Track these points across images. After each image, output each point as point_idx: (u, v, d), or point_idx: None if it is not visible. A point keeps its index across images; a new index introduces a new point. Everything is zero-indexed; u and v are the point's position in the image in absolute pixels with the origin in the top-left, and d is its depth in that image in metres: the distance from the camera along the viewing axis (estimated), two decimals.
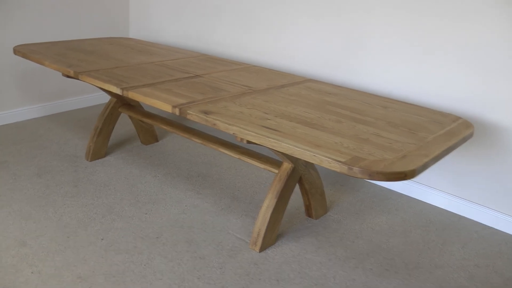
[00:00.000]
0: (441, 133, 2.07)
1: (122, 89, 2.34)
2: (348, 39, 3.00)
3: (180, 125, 2.83)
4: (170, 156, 3.24)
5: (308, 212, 2.61)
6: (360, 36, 2.94)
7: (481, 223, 2.71)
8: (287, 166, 2.34)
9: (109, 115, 3.03)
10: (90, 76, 2.52)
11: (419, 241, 2.48)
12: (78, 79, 2.61)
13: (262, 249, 2.31)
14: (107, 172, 2.95)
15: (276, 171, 2.40)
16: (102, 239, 2.32)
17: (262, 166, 2.46)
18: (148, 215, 2.53)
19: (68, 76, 2.72)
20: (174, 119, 3.94)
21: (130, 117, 3.21)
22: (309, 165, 2.44)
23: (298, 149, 1.77)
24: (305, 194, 2.53)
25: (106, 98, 4.29)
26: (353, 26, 2.95)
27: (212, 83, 2.52)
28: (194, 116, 2.06)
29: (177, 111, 2.12)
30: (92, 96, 4.15)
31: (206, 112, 2.06)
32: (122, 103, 3.06)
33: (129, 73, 2.59)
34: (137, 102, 3.14)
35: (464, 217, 2.76)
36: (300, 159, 2.35)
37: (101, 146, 3.07)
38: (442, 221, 2.69)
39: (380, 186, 3.05)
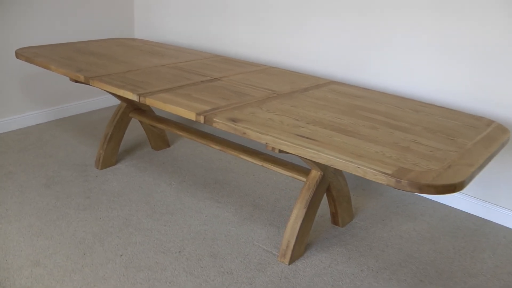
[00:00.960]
0: (479, 139, 1.97)
1: (139, 95, 2.21)
2: (369, 39, 2.89)
3: (195, 130, 2.71)
4: (183, 162, 3.11)
5: (334, 220, 2.51)
6: (382, 36, 2.83)
7: (508, 227, 2.62)
8: (315, 173, 2.23)
9: (120, 121, 2.89)
10: (102, 81, 2.39)
11: (449, 249, 2.39)
12: (88, 84, 2.48)
13: (292, 261, 2.20)
14: (119, 181, 2.82)
15: (304, 179, 2.29)
16: (121, 255, 2.19)
17: (288, 174, 2.35)
18: (167, 227, 2.41)
19: (77, 81, 2.58)
20: (186, 123, 3.81)
21: (141, 122, 3.07)
22: (337, 172, 2.33)
23: (340, 160, 1.66)
24: (331, 202, 2.43)
25: (112, 101, 4.15)
26: (375, 26, 2.84)
27: (233, 87, 2.39)
28: (221, 125, 1.94)
29: (201, 119, 1.99)
30: (97, 99, 4.01)
31: (234, 120, 1.94)
32: (133, 108, 2.93)
33: (143, 78, 2.46)
34: (148, 106, 3.01)
35: (490, 221, 2.67)
36: (329, 166, 2.24)
37: (112, 154, 2.94)
38: (468, 227, 2.59)
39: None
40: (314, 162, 2.11)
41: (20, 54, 2.85)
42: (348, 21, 2.93)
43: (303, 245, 2.25)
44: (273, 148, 1.92)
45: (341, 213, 2.46)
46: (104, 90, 2.67)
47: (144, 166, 3.02)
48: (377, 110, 2.19)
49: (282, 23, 3.23)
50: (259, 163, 2.43)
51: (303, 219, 2.18)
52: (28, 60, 2.79)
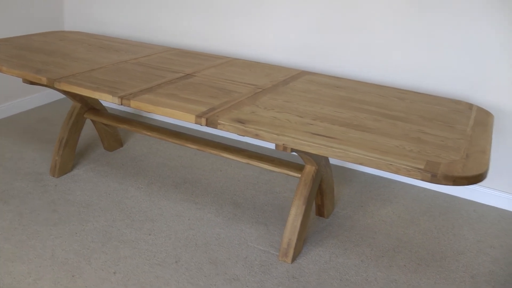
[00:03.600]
0: (472, 124, 2.03)
1: (121, 98, 2.03)
2: (327, 24, 2.87)
3: (166, 130, 2.56)
4: (143, 162, 2.94)
5: (320, 212, 2.49)
6: (341, 21, 2.83)
7: (474, 201, 2.76)
8: (310, 168, 2.19)
9: (75, 123, 2.66)
10: (70, 83, 2.17)
11: (431, 229, 2.47)
12: (52, 87, 2.24)
13: (293, 259, 2.16)
14: (83, 189, 2.60)
15: (297, 174, 2.25)
16: (114, 273, 2.04)
17: (278, 170, 2.29)
18: (153, 236, 2.27)
19: (33, 83, 2.33)
20: (145, 120, 3.58)
21: (94, 122, 2.85)
22: (327, 164, 2.31)
23: (370, 158, 1.64)
24: (319, 195, 2.41)
25: (45, 99, 3.77)
26: (338, 12, 2.83)
27: (212, 83, 2.28)
28: (227, 127, 1.83)
29: (203, 122, 1.88)
30: (29, 98, 3.63)
31: (240, 121, 1.85)
32: (88, 108, 2.70)
33: (112, 77, 2.27)
34: (102, 105, 2.79)
35: (457, 197, 2.80)
36: (322, 160, 2.22)
37: (68, 159, 2.70)
38: (440, 204, 2.70)
39: (369, 173, 3.00)
40: (309, 156, 2.07)
41: None
42: (306, 5, 2.89)
43: (302, 242, 2.22)
44: (285, 148, 1.86)
45: (327, 204, 2.45)
46: (63, 93, 2.41)
47: (104, 170, 2.81)
48: (365, 101, 2.18)
49: (234, 12, 3.11)
50: (244, 160, 2.35)
51: (303, 216, 2.15)
52: None
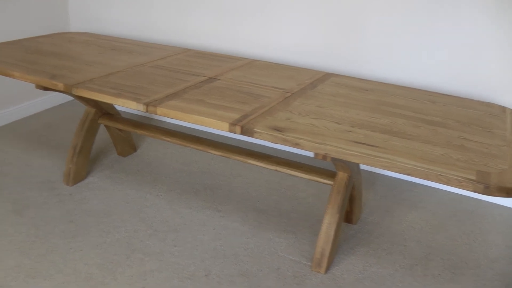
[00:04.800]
0: (510, 129, 1.97)
1: (146, 105, 1.94)
2: (342, 23, 2.78)
3: (187, 135, 2.47)
4: (159, 168, 2.83)
5: (348, 218, 2.42)
6: (356, 20, 2.74)
7: (497, 204, 2.70)
8: (343, 175, 2.11)
9: (89, 129, 2.55)
10: (89, 89, 2.06)
11: (460, 234, 2.41)
12: (69, 93, 2.14)
13: (327, 269, 2.09)
14: (99, 198, 2.50)
15: (329, 182, 2.17)
16: None
17: (308, 177, 2.21)
18: (178, 248, 2.18)
19: (47, 89, 2.23)
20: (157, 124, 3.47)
21: (107, 127, 2.74)
22: (358, 171, 2.23)
23: (419, 168, 1.56)
24: (348, 201, 2.33)
25: (48, 104, 3.64)
26: (349, 11, 2.74)
27: (238, 87, 2.19)
28: (265, 136, 1.75)
29: (237, 130, 1.79)
30: (32, 102, 3.50)
31: (277, 129, 1.76)
32: (102, 113, 2.60)
33: (132, 81, 2.17)
34: (115, 109, 2.68)
35: (480, 200, 2.75)
36: (354, 166, 2.14)
37: (82, 167, 2.59)
38: (466, 209, 2.64)
39: (391, 177, 2.93)
40: (344, 163, 1.99)
41: None
42: (324, 4, 2.80)
43: (335, 251, 2.14)
44: (325, 157, 1.78)
45: (355, 210, 2.38)
46: (76, 98, 2.30)
47: (119, 176, 2.71)
48: (398, 105, 2.11)
49: (248, 11, 3.01)
50: (273, 167, 2.26)
51: (337, 224, 2.07)
52: None
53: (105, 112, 2.61)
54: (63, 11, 3.59)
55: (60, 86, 2.12)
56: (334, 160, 1.91)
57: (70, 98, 3.82)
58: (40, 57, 2.44)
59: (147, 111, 1.94)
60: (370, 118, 1.93)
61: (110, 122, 2.57)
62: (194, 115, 1.85)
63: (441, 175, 1.54)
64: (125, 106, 1.99)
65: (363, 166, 2.98)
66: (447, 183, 1.55)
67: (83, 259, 2.07)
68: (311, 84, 2.30)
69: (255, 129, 1.76)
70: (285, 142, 1.73)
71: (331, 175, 2.18)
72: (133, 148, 2.96)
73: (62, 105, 3.75)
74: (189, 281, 1.98)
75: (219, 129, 1.82)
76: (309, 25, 2.86)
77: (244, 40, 3.07)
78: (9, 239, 2.17)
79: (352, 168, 2.09)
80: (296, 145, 1.71)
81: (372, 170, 2.97)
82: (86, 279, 1.97)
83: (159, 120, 3.54)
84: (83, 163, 2.60)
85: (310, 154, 3.06)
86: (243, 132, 1.79)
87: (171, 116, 1.91)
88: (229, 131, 1.80)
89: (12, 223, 2.28)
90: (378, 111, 2.01)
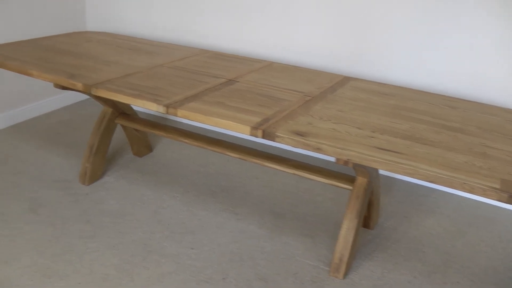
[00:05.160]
0: None
1: (166, 106, 1.93)
2: (357, 26, 2.77)
3: (204, 137, 2.46)
4: (175, 169, 2.83)
5: (365, 223, 2.40)
6: (371, 22, 2.73)
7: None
8: (362, 180, 2.10)
9: (106, 129, 2.55)
10: (108, 89, 2.06)
11: (478, 241, 2.39)
12: (88, 93, 2.13)
13: (345, 275, 2.07)
14: (115, 198, 2.50)
15: (348, 186, 2.15)
16: None
17: (328, 182, 2.19)
18: (195, 250, 2.17)
19: (65, 88, 2.22)
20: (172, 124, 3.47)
21: (124, 127, 2.74)
22: (377, 176, 2.21)
23: (442, 176, 1.54)
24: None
25: (63, 102, 3.65)
26: (363, 12, 2.72)
27: (258, 89, 2.17)
28: (286, 140, 1.73)
29: (259, 134, 1.78)
30: (47, 100, 3.51)
31: (299, 134, 1.75)
32: (119, 113, 2.59)
33: (151, 82, 2.16)
34: (133, 110, 2.68)
35: (498, 207, 2.73)
36: (374, 172, 2.12)
37: (98, 166, 2.59)
38: (483, 215, 2.63)
39: (407, 182, 2.91)
40: (363, 168, 1.98)
41: None
42: (340, 7, 2.79)
43: (353, 257, 2.13)
44: (347, 162, 1.76)
45: (373, 215, 2.36)
46: (94, 97, 2.29)
47: (135, 177, 2.71)
48: (418, 110, 2.09)
49: (265, 12, 3.00)
50: (291, 171, 2.25)
51: (356, 230, 2.05)
52: None
53: (122, 112, 2.60)
54: (81, 10, 3.60)
55: (79, 86, 2.11)
56: (355, 166, 1.89)
57: (86, 96, 3.82)
58: (58, 56, 2.44)
59: (167, 113, 1.94)
60: (391, 124, 1.91)
61: (128, 122, 2.57)
62: (214, 117, 1.84)
63: (465, 183, 1.52)
64: (145, 107, 1.98)
65: (380, 171, 2.96)
66: (470, 191, 1.53)
67: (99, 260, 2.07)
68: (331, 88, 2.29)
69: (277, 133, 1.74)
70: (306, 146, 1.71)
71: (350, 180, 2.16)
72: (149, 149, 2.95)
73: (77, 103, 3.76)
74: (207, 284, 1.97)
75: (240, 132, 1.81)
76: (326, 27, 2.84)
77: (262, 41, 3.06)
78: (25, 238, 2.17)
79: (371, 174, 2.08)
80: (318, 150, 1.70)
81: (389, 175, 2.95)
82: (102, 280, 1.96)
83: (173, 120, 3.53)
84: (100, 163, 2.59)
85: (318, 155, 3.05)
86: (264, 136, 1.77)
87: (191, 119, 1.90)
88: (250, 135, 1.79)
89: (28, 221, 2.28)
90: (398, 116, 1.99)
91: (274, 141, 1.76)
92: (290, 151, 3.16)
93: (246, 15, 3.05)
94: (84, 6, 3.61)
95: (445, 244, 2.34)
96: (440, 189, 2.84)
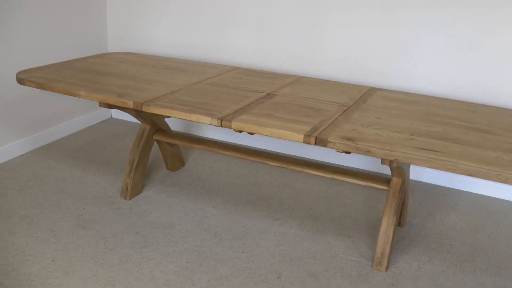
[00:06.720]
0: None
1: (220, 119, 2.10)
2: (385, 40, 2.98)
3: (241, 148, 2.62)
4: (210, 182, 2.98)
5: (398, 221, 2.58)
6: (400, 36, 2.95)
7: None
8: (397, 180, 2.29)
9: (145, 145, 2.70)
10: (160, 106, 2.21)
11: (498, 233, 2.60)
12: (139, 111, 2.28)
13: (387, 268, 2.25)
14: (159, 210, 2.64)
15: (384, 187, 2.34)
16: None
17: (365, 184, 2.38)
18: (246, 254, 2.32)
19: (111, 106, 2.37)
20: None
21: (158, 142, 2.89)
22: (408, 177, 2.41)
23: (480, 169, 1.74)
24: None
25: (89, 122, 3.78)
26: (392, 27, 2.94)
27: (298, 102, 2.35)
28: (338, 145, 1.92)
29: (312, 140, 1.96)
30: (74, 121, 3.63)
31: (349, 139, 1.93)
32: (156, 129, 2.75)
33: (197, 98, 2.32)
34: (168, 126, 2.84)
35: (510, 201, 2.94)
36: (407, 172, 2.32)
37: (138, 181, 2.74)
38: (499, 210, 2.84)
39: (426, 183, 3.11)
40: (397, 169, 2.17)
41: (26, 79, 2.51)
42: (360, 22, 3.01)
43: (392, 251, 2.31)
44: (392, 162, 1.95)
45: (403, 214, 2.55)
46: (134, 115, 2.44)
47: (173, 190, 2.86)
48: (446, 115, 2.28)
49: (290, 28, 3.20)
50: (330, 176, 2.43)
51: (394, 226, 2.24)
52: (40, 86, 2.47)
53: (159, 128, 2.76)
54: (103, 31, 3.75)
55: (130, 104, 2.26)
56: (395, 167, 2.08)
57: (107, 116, 3.95)
58: (98, 77, 2.59)
59: (221, 126, 2.10)
60: (424, 127, 2.10)
61: (165, 137, 2.72)
62: (268, 128, 2.01)
63: (500, 174, 1.72)
64: (199, 121, 2.14)
65: None
66: (505, 181, 1.72)
67: (157, 267, 2.21)
68: (361, 98, 2.48)
69: (329, 139, 1.92)
70: (357, 150, 1.89)
71: (386, 181, 2.35)
72: (182, 163, 3.11)
73: (102, 122, 3.91)
74: (264, 284, 2.13)
75: (294, 140, 1.98)
76: (349, 42, 3.05)
77: (288, 57, 3.25)
78: (81, 251, 2.29)
79: (406, 174, 2.27)
80: (368, 152, 1.88)
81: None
82: (165, 285, 2.10)
83: (199, 134, 3.69)
84: (139, 178, 2.74)
85: (331, 161, 3.23)
86: (317, 143, 1.95)
87: (246, 130, 2.06)
88: (303, 142, 1.97)
89: (79, 236, 2.40)
90: (429, 121, 2.19)
91: (326, 146, 1.94)
92: (310, 158, 3.34)
93: (269, 33, 3.24)
94: (106, 26, 3.76)
95: (469, 237, 2.54)
96: (455, 188, 3.05)
